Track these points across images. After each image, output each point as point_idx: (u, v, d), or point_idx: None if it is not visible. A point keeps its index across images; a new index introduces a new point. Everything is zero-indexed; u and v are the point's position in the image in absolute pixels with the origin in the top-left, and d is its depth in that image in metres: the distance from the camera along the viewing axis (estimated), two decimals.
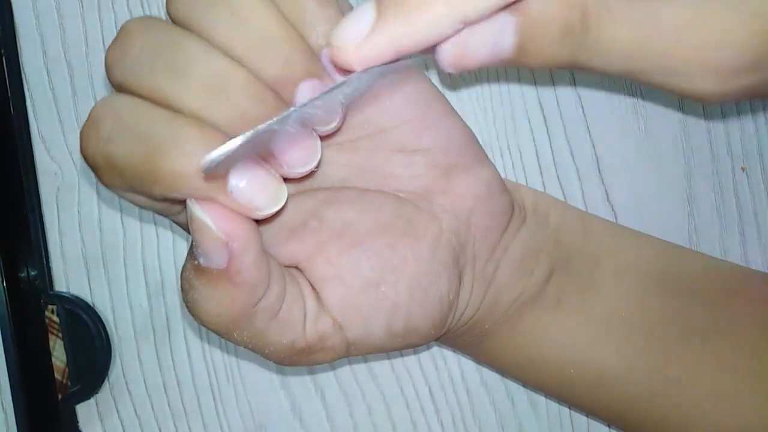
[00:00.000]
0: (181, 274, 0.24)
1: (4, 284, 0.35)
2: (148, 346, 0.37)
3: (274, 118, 0.20)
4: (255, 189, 0.21)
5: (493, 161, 0.37)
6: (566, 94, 0.38)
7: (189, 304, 0.24)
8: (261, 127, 0.19)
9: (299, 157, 0.22)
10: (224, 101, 0.21)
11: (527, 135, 0.38)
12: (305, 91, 0.22)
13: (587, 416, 0.38)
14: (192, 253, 0.23)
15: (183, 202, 0.24)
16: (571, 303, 0.30)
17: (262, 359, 0.37)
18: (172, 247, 0.37)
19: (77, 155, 0.37)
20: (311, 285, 0.25)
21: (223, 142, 0.19)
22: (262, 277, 0.23)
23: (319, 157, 0.23)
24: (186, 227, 0.26)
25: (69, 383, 0.36)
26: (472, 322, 0.29)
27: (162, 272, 0.37)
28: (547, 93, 0.38)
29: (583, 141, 0.38)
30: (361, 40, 0.20)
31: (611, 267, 0.31)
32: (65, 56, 0.37)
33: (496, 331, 0.30)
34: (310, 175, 0.24)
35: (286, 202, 0.22)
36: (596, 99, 0.38)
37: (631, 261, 0.31)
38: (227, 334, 0.24)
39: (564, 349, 0.30)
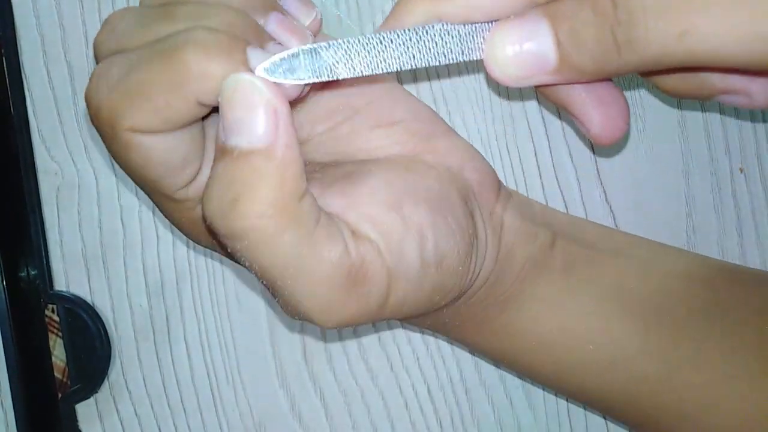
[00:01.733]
0: (208, 188, 0.22)
1: (5, 283, 0.35)
2: (147, 346, 0.37)
3: (305, 46, 0.22)
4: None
5: (491, 162, 0.38)
6: None
7: (227, 207, 0.22)
8: (298, 48, 0.22)
9: (293, 35, 0.24)
10: (215, 15, 0.23)
11: (526, 136, 0.38)
12: (273, 22, 0.24)
13: (585, 415, 0.38)
14: (225, 149, 0.22)
15: (198, 140, 0.24)
16: (580, 271, 0.30)
17: (262, 358, 0.37)
18: (171, 248, 0.37)
19: (77, 155, 0.37)
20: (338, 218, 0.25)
21: (228, 40, 0.22)
22: (302, 161, 0.22)
23: (310, 37, 0.24)
24: (192, 203, 0.25)
25: (69, 382, 0.37)
26: (490, 282, 0.29)
27: (162, 272, 0.37)
28: None
29: (581, 142, 0.38)
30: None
31: (608, 250, 0.31)
32: (65, 56, 0.37)
33: (513, 299, 0.30)
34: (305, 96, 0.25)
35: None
36: None
37: (626, 247, 0.32)
38: (276, 240, 0.22)
39: (581, 321, 0.30)
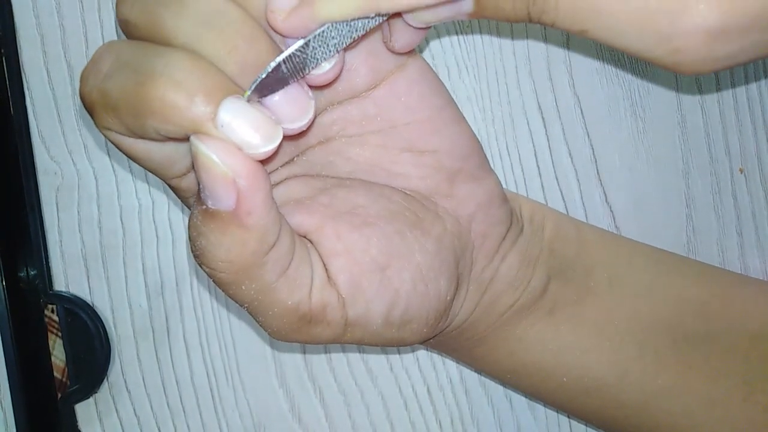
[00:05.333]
0: (189, 223, 0.23)
1: (4, 284, 0.35)
2: (147, 346, 0.37)
3: (285, 52, 0.21)
4: (245, 125, 0.21)
5: (491, 163, 0.38)
6: (565, 95, 0.38)
7: (197, 253, 0.23)
8: (280, 57, 0.21)
9: (292, 111, 0.22)
10: (217, 35, 0.21)
11: (526, 136, 0.38)
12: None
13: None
14: (200, 198, 0.22)
15: (180, 145, 0.24)
16: (565, 311, 0.30)
17: (261, 358, 0.37)
18: (171, 248, 0.37)
19: (77, 155, 0.37)
20: (321, 259, 0.25)
21: (212, 74, 0.21)
22: (273, 221, 0.22)
23: (311, 114, 0.22)
24: (186, 193, 0.26)
25: (68, 382, 0.37)
26: (466, 325, 0.29)
27: (161, 272, 0.37)
28: (545, 94, 0.38)
29: (581, 142, 0.38)
30: (288, 10, 0.22)
31: (604, 276, 0.31)
32: (65, 56, 0.37)
33: (490, 337, 0.30)
34: (302, 135, 0.24)
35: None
36: (595, 100, 0.38)
37: (624, 270, 0.31)
38: (235, 286, 0.23)
39: (557, 356, 0.30)
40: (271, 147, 0.21)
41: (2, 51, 0.36)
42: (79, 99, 0.37)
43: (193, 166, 0.22)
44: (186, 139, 0.21)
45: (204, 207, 0.22)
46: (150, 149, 0.23)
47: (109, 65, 0.22)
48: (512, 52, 0.37)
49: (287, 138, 0.22)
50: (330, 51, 0.22)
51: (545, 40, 0.38)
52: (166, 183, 0.26)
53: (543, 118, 0.38)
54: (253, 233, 0.22)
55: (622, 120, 0.38)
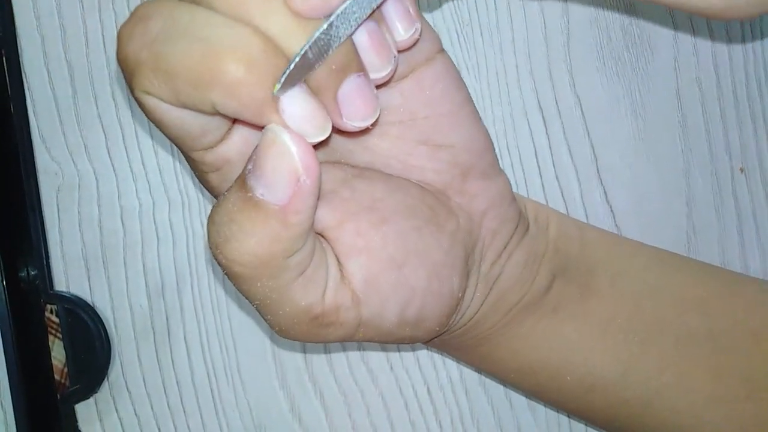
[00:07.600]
0: (216, 209, 0.22)
1: (4, 284, 0.35)
2: (147, 346, 0.37)
3: (310, 39, 0.20)
4: (304, 113, 0.21)
5: None
6: (565, 94, 0.38)
7: (220, 240, 0.22)
8: (317, 32, 0.20)
9: (359, 108, 0.22)
10: (305, 31, 0.21)
11: (526, 136, 0.38)
12: (366, 32, 0.22)
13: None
14: (245, 184, 0.21)
15: (223, 121, 0.23)
16: (569, 310, 0.30)
17: (262, 359, 0.37)
18: (172, 248, 0.37)
19: (78, 155, 0.37)
20: (336, 258, 0.25)
21: (280, 56, 0.20)
22: (311, 225, 0.22)
23: (378, 113, 0.22)
24: (209, 167, 0.25)
25: (67, 383, 0.37)
26: (472, 323, 0.29)
27: (162, 273, 0.37)
28: (545, 94, 0.38)
29: (581, 141, 0.38)
30: None
31: (607, 275, 0.31)
32: (66, 56, 0.37)
33: (494, 335, 0.30)
34: (364, 132, 0.24)
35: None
36: (595, 99, 0.38)
37: (626, 269, 0.32)
38: (250, 282, 0.23)
39: (561, 354, 0.30)
40: (323, 136, 0.21)
41: (3, 51, 0.36)
42: (80, 98, 0.37)
43: (256, 152, 0.21)
44: (229, 117, 0.21)
45: (249, 194, 0.21)
46: (185, 118, 0.22)
47: (161, 26, 0.21)
48: (512, 52, 0.37)
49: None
50: (351, 26, 0.22)
51: (545, 37, 0.38)
52: (186, 155, 0.25)
53: (543, 118, 0.38)
54: (290, 232, 0.22)
55: (623, 119, 0.38)
